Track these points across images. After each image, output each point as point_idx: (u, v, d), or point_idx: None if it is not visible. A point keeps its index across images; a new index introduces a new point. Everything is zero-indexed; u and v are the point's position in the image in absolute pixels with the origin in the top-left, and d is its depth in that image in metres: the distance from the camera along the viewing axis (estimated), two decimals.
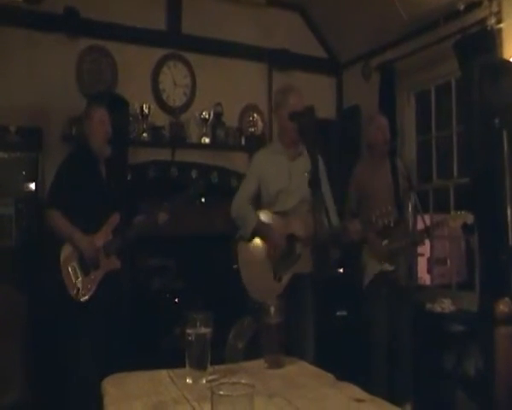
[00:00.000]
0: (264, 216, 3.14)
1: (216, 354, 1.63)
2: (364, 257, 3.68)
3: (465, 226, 3.80)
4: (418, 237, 3.66)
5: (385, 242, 3.57)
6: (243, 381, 1.09)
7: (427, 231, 3.61)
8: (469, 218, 3.42)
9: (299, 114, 3.05)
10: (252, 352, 3.17)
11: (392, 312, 3.60)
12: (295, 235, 3.06)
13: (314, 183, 2.75)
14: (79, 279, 3.13)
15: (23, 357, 3.76)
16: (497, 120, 3.61)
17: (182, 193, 3.36)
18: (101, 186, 3.30)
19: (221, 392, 1.01)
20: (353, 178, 3.93)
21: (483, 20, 3.71)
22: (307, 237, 2.99)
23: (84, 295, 3.12)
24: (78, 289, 3.11)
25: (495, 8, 3.54)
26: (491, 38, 3.68)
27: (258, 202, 3.23)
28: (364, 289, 3.66)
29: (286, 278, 3.06)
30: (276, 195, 3.14)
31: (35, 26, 4.41)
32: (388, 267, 3.56)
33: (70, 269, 3.13)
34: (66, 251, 3.16)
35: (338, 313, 4.51)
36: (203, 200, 3.85)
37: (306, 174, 3.09)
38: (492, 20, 3.55)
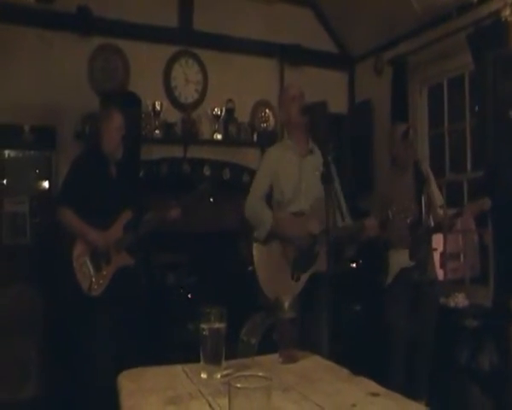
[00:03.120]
0: (280, 216, 3.09)
1: (229, 349, 1.63)
2: (388, 255, 3.66)
3: (480, 217, 3.75)
4: (438, 228, 3.62)
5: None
6: (260, 373, 1.09)
7: (444, 224, 3.59)
8: (487, 204, 3.37)
9: (311, 108, 3.05)
10: (265, 347, 3.18)
11: (413, 308, 3.58)
12: (313, 234, 3.03)
13: (327, 179, 2.74)
14: (91, 275, 3.16)
15: (39, 353, 3.80)
16: (511, 113, 3.57)
17: (190, 193, 3.37)
18: (111, 185, 3.32)
19: (238, 384, 1.02)
20: (378, 186, 3.98)
21: (497, 12, 3.67)
22: (323, 235, 2.98)
23: (97, 291, 3.15)
24: (91, 285, 3.14)
25: (510, 0, 3.50)
26: (505, 30, 3.64)
27: (269, 201, 3.20)
28: (387, 287, 3.64)
29: (304, 278, 3.03)
30: (288, 194, 3.11)
31: (48, 26, 4.44)
32: (409, 263, 3.53)
33: (82, 265, 3.17)
34: (78, 247, 3.19)
35: (353, 308, 4.50)
36: (212, 200, 3.84)
37: (317, 173, 3.09)
38: (507, 12, 3.50)
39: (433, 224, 3.63)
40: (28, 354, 3.80)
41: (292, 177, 3.13)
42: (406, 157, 3.68)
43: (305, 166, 3.15)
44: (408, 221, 3.31)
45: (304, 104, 3.11)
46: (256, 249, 3.13)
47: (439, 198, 3.75)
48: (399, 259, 3.58)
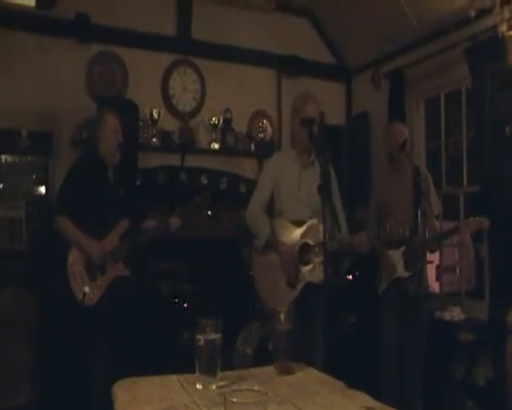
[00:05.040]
0: (278, 226, 3.13)
1: (224, 358, 1.62)
2: (381, 264, 3.66)
3: (479, 233, 3.73)
4: (433, 243, 3.60)
5: (401, 249, 3.54)
6: (256, 388, 1.09)
7: (440, 239, 3.58)
8: (485, 223, 3.36)
9: (310, 120, 3.07)
10: (260, 358, 3.17)
11: (405, 319, 3.56)
12: (309, 244, 3.06)
13: (324, 190, 2.76)
14: (86, 284, 3.12)
15: (34, 358, 3.77)
16: (507, 128, 3.59)
17: (188, 204, 3.35)
18: (109, 192, 3.28)
19: (234, 399, 1.01)
20: (373, 186, 3.95)
21: (494, 27, 3.69)
22: (319, 247, 2.99)
23: (91, 300, 3.09)
24: (85, 294, 3.09)
25: (506, 15, 3.52)
26: (502, 45, 3.66)
27: (271, 208, 3.24)
28: (380, 296, 3.63)
29: (299, 286, 3.05)
30: (287, 203, 3.16)
31: (47, 32, 4.45)
32: (404, 274, 3.52)
33: (77, 274, 3.11)
34: (73, 256, 3.14)
35: (348, 320, 4.49)
36: (209, 213, 3.84)
37: (316, 185, 3.11)
38: (504, 27, 3.53)
39: (427, 235, 3.60)
40: (23, 359, 3.77)
41: (291, 186, 3.18)
42: (402, 160, 3.67)
43: (305, 177, 3.19)
44: (406, 235, 3.32)
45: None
46: (254, 256, 3.21)
47: (436, 207, 3.71)
48: (394, 267, 3.57)
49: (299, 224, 3.12)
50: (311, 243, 3.05)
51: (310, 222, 3.10)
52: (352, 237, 3.09)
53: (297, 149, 3.26)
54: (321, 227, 2.89)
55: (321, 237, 2.91)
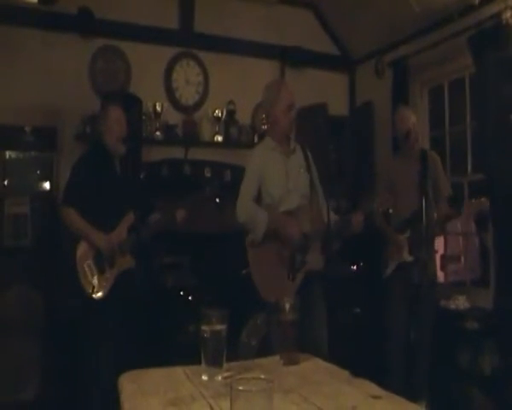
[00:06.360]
0: (274, 215, 3.04)
1: (229, 351, 1.63)
2: (387, 247, 3.66)
3: (481, 219, 3.74)
4: (435, 227, 3.59)
5: (406, 234, 3.54)
6: (262, 376, 1.09)
7: (442, 222, 3.58)
8: (485, 203, 3.36)
9: (312, 110, 3.06)
10: (265, 349, 3.18)
11: (412, 308, 3.56)
12: (304, 232, 3.01)
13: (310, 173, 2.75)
14: (95, 277, 3.14)
15: (40, 355, 3.80)
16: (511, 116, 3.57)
17: (197, 193, 3.36)
18: (116, 184, 3.30)
19: (240, 387, 1.02)
20: (380, 173, 3.95)
21: (498, 14, 3.67)
22: (315, 232, 2.98)
23: (100, 294, 3.13)
24: (94, 287, 3.12)
25: (510, 2, 3.50)
26: (506, 33, 3.63)
27: (258, 203, 3.14)
28: (385, 283, 3.63)
29: (299, 277, 3.01)
30: (277, 195, 3.07)
31: (49, 27, 4.45)
32: (408, 258, 3.52)
33: (85, 267, 3.14)
34: (81, 249, 3.17)
35: (354, 310, 4.50)
36: (218, 200, 3.84)
37: (302, 170, 3.10)
38: (508, 14, 3.51)
39: (436, 217, 3.58)
40: (29, 355, 3.79)
41: (279, 177, 3.09)
42: (407, 146, 3.69)
43: (291, 165, 3.14)
44: (390, 212, 3.33)
45: (286, 104, 3.11)
46: (250, 253, 3.09)
47: (446, 189, 3.69)
48: (400, 251, 3.57)
49: (289, 213, 3.05)
50: (307, 230, 2.99)
51: (299, 208, 3.04)
52: (348, 216, 3.07)
53: (278, 138, 3.17)
54: (312, 213, 2.88)
55: (313, 223, 2.91)
